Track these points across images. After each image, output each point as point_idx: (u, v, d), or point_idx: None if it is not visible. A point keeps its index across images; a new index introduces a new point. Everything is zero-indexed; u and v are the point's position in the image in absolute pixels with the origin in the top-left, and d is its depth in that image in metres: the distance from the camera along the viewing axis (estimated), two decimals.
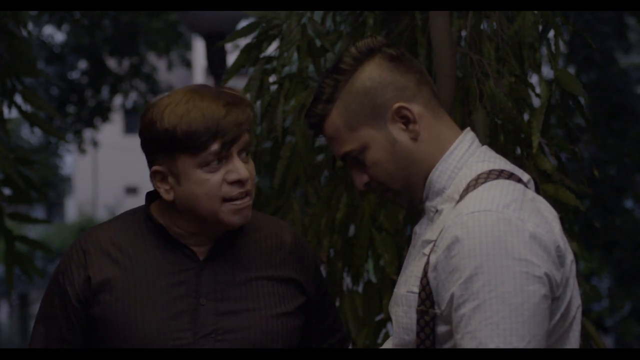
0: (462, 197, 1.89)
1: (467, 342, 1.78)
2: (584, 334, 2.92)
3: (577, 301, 1.93)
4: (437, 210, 1.95)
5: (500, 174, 1.91)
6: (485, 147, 1.99)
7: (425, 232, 1.96)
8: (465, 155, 1.95)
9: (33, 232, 21.33)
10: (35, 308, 23.30)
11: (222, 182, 2.04)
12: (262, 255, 2.16)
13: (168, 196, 2.07)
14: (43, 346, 2.12)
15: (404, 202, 2.02)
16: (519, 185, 1.90)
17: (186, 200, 2.05)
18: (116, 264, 2.09)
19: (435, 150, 1.95)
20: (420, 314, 1.88)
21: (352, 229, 3.12)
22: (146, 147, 2.09)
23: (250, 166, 2.08)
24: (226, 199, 2.04)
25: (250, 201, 2.08)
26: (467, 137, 1.98)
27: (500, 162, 1.96)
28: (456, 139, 1.97)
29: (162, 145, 2.04)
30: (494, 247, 1.79)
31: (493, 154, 1.98)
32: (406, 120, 1.94)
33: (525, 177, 1.96)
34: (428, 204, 1.97)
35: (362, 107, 1.94)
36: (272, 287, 2.14)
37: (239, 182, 2.05)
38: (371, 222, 3.04)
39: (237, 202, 2.05)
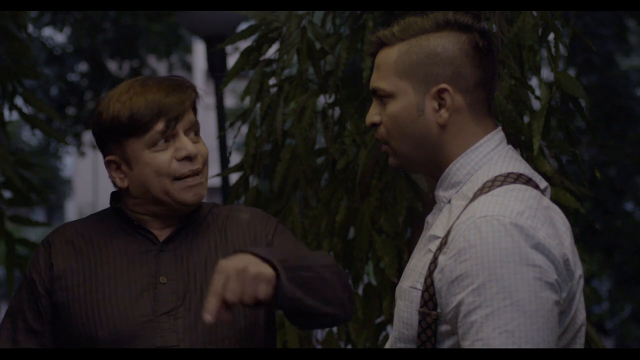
0: (475, 196, 1.86)
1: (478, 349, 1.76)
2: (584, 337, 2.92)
3: (582, 316, 1.90)
4: (449, 201, 1.93)
5: (518, 178, 1.88)
6: (509, 147, 1.96)
7: (434, 222, 1.95)
8: (490, 155, 1.92)
9: (33, 234, 21.28)
10: None
11: (171, 160, 2.11)
12: (220, 234, 2.21)
13: (122, 184, 2.16)
14: (9, 340, 2.16)
15: (394, 162, 1.99)
16: (535, 192, 1.87)
17: (139, 183, 2.13)
18: (79, 253, 2.16)
19: (456, 144, 1.92)
20: (423, 315, 1.87)
21: (352, 232, 3.12)
22: (98, 140, 2.18)
23: (201, 146, 2.16)
24: (177, 177, 2.11)
25: (201, 179, 2.15)
26: (496, 137, 1.94)
27: (521, 166, 1.92)
28: (484, 137, 1.94)
29: (110, 134, 2.13)
30: (507, 253, 1.77)
31: (516, 155, 1.95)
32: (442, 103, 1.92)
33: (543, 184, 1.93)
34: (442, 193, 1.95)
35: (419, 65, 1.91)
36: None
37: (188, 158, 2.12)
38: (371, 224, 3.04)
39: (188, 180, 2.12)
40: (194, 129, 2.15)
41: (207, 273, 2.14)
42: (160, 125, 2.10)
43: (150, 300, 2.11)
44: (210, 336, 2.10)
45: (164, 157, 2.11)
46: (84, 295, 2.12)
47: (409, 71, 1.92)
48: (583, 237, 7.90)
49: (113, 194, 2.24)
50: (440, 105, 1.91)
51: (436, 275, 1.84)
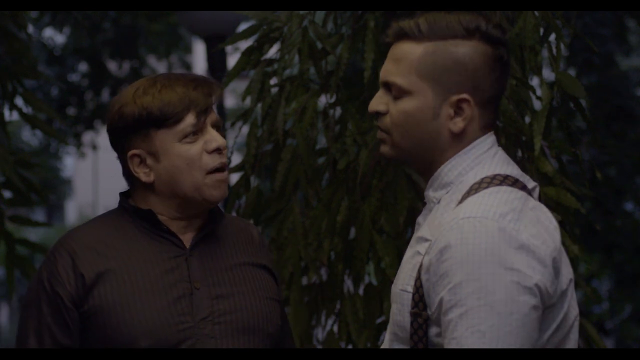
0: (463, 199, 1.87)
1: (453, 348, 1.78)
2: (585, 336, 2.92)
3: (574, 311, 1.91)
4: (438, 202, 1.93)
5: (504, 179, 1.88)
6: (499, 149, 1.97)
7: (424, 224, 1.95)
8: (481, 157, 1.92)
9: (33, 234, 21.29)
10: None
11: (202, 152, 2.10)
12: (239, 245, 2.22)
13: (148, 178, 2.12)
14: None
15: (388, 152, 1.97)
16: (521, 193, 1.88)
17: (168, 176, 2.10)
18: (106, 258, 2.10)
19: (456, 148, 1.93)
20: (414, 316, 1.87)
21: (352, 232, 3.12)
22: (117, 135, 2.14)
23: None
24: (208, 171, 2.10)
25: (228, 176, 2.15)
26: (488, 140, 1.94)
27: (508, 167, 1.93)
28: (477, 139, 1.94)
29: (137, 127, 2.10)
30: (486, 254, 1.78)
31: (504, 157, 1.95)
32: (458, 112, 1.91)
33: (531, 184, 1.94)
34: (432, 193, 1.95)
35: (444, 70, 1.89)
36: (255, 273, 2.20)
37: (218, 150, 2.11)
38: (372, 224, 3.04)
39: (217, 175, 2.11)
40: (218, 125, 2.15)
41: (235, 280, 2.16)
42: (191, 118, 2.09)
43: (188, 306, 2.09)
44: (245, 341, 2.11)
45: (194, 149, 2.10)
46: (119, 301, 2.06)
47: (432, 74, 1.89)
48: (583, 237, 7.89)
49: (123, 194, 2.20)
50: (456, 114, 1.90)
51: (423, 275, 1.85)
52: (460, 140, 1.92)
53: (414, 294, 1.87)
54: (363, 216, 3.04)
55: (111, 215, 2.19)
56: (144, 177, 2.12)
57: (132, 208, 2.15)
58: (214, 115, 2.14)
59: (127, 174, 2.16)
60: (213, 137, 2.12)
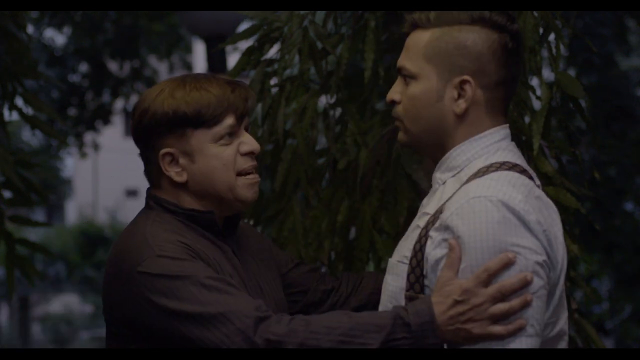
0: (469, 180, 1.91)
1: None
2: (585, 337, 2.92)
3: (565, 314, 1.97)
4: (443, 183, 1.97)
5: (513, 166, 1.94)
6: (512, 143, 2.02)
7: (428, 204, 2.00)
8: (491, 146, 1.97)
9: (33, 234, 21.29)
10: (35, 310, 23.17)
11: (236, 154, 2.12)
12: (250, 239, 2.28)
13: (180, 178, 2.12)
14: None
15: (403, 138, 2.04)
16: (528, 181, 1.93)
17: (202, 176, 2.11)
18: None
19: (465, 132, 1.98)
20: (410, 299, 1.91)
21: (352, 232, 3.12)
22: (147, 132, 2.11)
23: None
24: (240, 173, 2.13)
25: (259, 178, 2.18)
26: (501, 132, 2.00)
27: (518, 159, 1.98)
28: (491, 129, 1.98)
29: (172, 126, 2.09)
30: (494, 237, 1.83)
31: (515, 150, 2.02)
32: (461, 94, 1.95)
33: (537, 181, 1.99)
34: (439, 175, 2.00)
35: (447, 53, 1.96)
36: (264, 257, 2.28)
37: (251, 154, 2.14)
38: (372, 224, 3.04)
39: (250, 177, 2.14)
40: (247, 129, 2.18)
41: (262, 275, 2.21)
42: (230, 120, 2.11)
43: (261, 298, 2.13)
44: None
45: (229, 151, 2.12)
46: None
47: (436, 57, 1.96)
48: (583, 237, 7.88)
49: (154, 193, 2.17)
50: (460, 96, 1.95)
51: (430, 251, 1.88)
52: (465, 122, 1.96)
53: (409, 274, 1.91)
54: (363, 216, 3.04)
55: (164, 217, 2.12)
56: (176, 177, 2.12)
57: (189, 210, 2.13)
58: (247, 120, 2.16)
59: (154, 171, 2.15)
60: (247, 141, 2.14)
